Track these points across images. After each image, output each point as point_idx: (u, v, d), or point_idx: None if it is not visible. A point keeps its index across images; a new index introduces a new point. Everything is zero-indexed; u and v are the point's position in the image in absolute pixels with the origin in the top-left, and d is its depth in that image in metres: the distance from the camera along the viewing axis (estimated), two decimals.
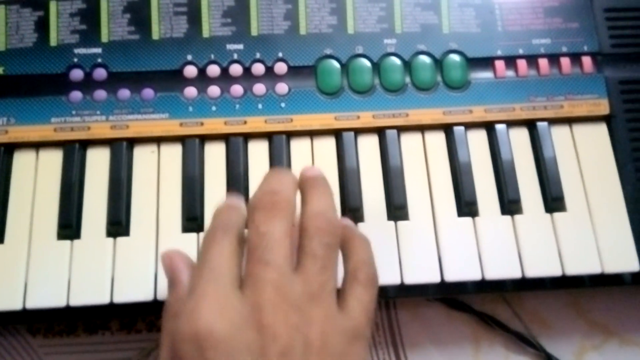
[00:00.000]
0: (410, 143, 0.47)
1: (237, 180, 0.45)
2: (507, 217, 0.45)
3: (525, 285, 0.44)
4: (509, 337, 0.47)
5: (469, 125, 0.47)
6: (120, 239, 0.43)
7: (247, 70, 0.47)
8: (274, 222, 0.34)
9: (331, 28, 0.48)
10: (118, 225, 0.43)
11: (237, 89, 0.47)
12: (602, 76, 0.48)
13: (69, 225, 0.43)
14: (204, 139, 0.46)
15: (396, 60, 0.48)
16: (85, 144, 0.46)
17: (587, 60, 0.48)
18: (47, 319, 0.46)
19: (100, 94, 0.46)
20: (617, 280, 0.45)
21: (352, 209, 0.44)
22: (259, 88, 0.47)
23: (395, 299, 0.48)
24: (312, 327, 0.33)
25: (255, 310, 0.32)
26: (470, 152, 0.46)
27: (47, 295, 0.41)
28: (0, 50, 0.47)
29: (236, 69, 0.47)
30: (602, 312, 0.48)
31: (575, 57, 0.49)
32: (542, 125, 0.47)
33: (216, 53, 0.48)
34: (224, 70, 0.47)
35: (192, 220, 0.44)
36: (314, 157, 0.46)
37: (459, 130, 0.47)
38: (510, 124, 0.47)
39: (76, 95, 0.46)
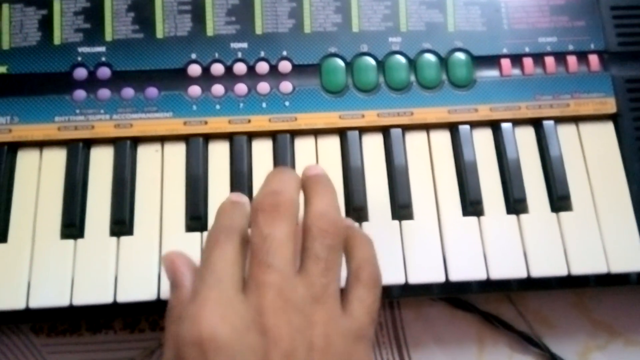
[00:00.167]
0: (415, 142, 0.47)
1: (241, 179, 0.45)
2: (513, 217, 0.45)
3: (531, 285, 0.44)
4: (513, 336, 0.47)
5: (474, 124, 0.47)
6: (123, 238, 0.43)
7: (251, 69, 0.47)
8: (277, 223, 0.34)
9: (336, 26, 0.48)
10: (122, 224, 0.43)
11: (241, 88, 0.47)
12: (608, 74, 0.48)
13: (73, 225, 0.43)
14: (208, 137, 0.46)
15: (401, 59, 0.48)
16: (89, 142, 0.46)
17: (593, 59, 0.48)
18: (50, 318, 0.45)
19: (104, 92, 0.46)
20: (622, 280, 0.44)
21: (357, 208, 0.44)
22: (263, 87, 0.47)
23: (399, 299, 0.48)
24: (315, 329, 0.33)
25: (258, 313, 0.32)
26: (475, 151, 0.46)
27: (50, 294, 0.41)
28: (4, 49, 0.47)
29: (240, 68, 0.47)
30: (607, 312, 0.48)
31: (582, 56, 0.48)
32: (548, 123, 0.47)
33: (220, 52, 0.47)
34: (228, 69, 0.47)
35: (195, 219, 0.44)
36: (318, 156, 0.46)
37: (464, 129, 0.47)
38: (516, 122, 0.47)
39: (80, 94, 0.46)
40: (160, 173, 0.45)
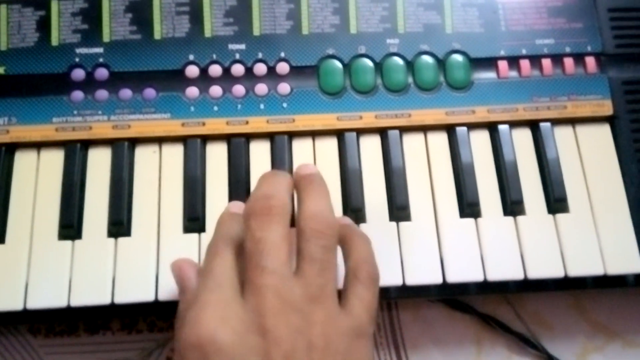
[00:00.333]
0: (412, 143, 0.47)
1: (238, 180, 0.45)
2: (510, 218, 0.45)
3: (528, 287, 0.44)
4: (511, 338, 0.47)
5: (471, 126, 0.47)
6: (121, 239, 0.43)
7: (249, 70, 0.47)
8: (270, 227, 0.34)
9: (334, 28, 0.48)
10: (119, 225, 0.43)
11: (239, 89, 0.47)
12: (605, 77, 0.48)
13: (70, 226, 0.43)
14: (206, 139, 0.46)
15: (399, 61, 0.48)
16: (87, 143, 0.46)
17: (590, 61, 0.48)
18: (48, 319, 0.46)
19: (102, 93, 0.46)
20: (620, 282, 0.44)
21: (354, 209, 0.44)
22: (261, 88, 0.47)
23: (396, 300, 0.48)
24: (314, 328, 0.33)
25: (257, 315, 0.32)
26: (472, 153, 0.46)
27: (48, 295, 0.41)
28: (2, 49, 0.47)
29: (238, 69, 0.47)
30: (605, 314, 0.48)
31: (579, 58, 0.48)
32: (545, 125, 0.47)
33: (218, 53, 0.47)
34: (226, 70, 0.47)
35: (193, 220, 0.44)
36: (316, 158, 0.46)
37: (461, 130, 0.47)
38: (513, 124, 0.47)
39: (78, 95, 0.46)
40: (158, 174, 0.45)
